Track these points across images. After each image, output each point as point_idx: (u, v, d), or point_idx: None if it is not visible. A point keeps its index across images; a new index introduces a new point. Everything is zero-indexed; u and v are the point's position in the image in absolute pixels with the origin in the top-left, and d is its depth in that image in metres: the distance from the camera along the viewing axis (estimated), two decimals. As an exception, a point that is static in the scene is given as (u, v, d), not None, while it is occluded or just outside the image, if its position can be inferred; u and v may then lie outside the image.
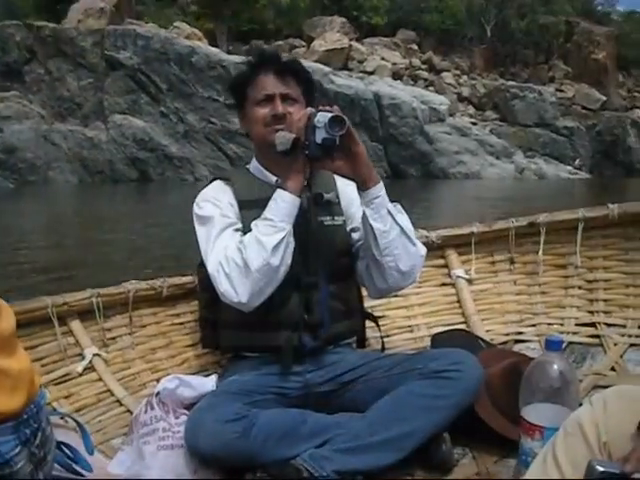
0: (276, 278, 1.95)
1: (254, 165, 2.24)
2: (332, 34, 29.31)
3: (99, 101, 23.61)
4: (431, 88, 28.71)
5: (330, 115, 1.85)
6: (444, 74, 30.59)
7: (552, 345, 1.70)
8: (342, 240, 2.11)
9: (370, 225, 2.00)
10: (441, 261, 3.04)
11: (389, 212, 2.00)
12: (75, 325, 2.42)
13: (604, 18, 44.66)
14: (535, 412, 1.68)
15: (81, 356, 2.40)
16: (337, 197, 2.20)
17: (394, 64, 29.50)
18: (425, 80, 29.79)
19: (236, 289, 1.93)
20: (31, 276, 7.13)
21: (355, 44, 29.62)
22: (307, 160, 1.96)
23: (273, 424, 1.85)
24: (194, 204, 2.17)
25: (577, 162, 28.64)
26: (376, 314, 2.52)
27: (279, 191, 1.97)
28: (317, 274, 2.09)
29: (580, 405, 1.45)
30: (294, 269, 2.01)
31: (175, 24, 27.48)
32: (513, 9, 36.77)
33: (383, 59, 29.55)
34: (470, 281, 3.01)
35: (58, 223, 13.12)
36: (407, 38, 32.67)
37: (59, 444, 1.60)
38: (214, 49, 24.80)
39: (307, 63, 24.04)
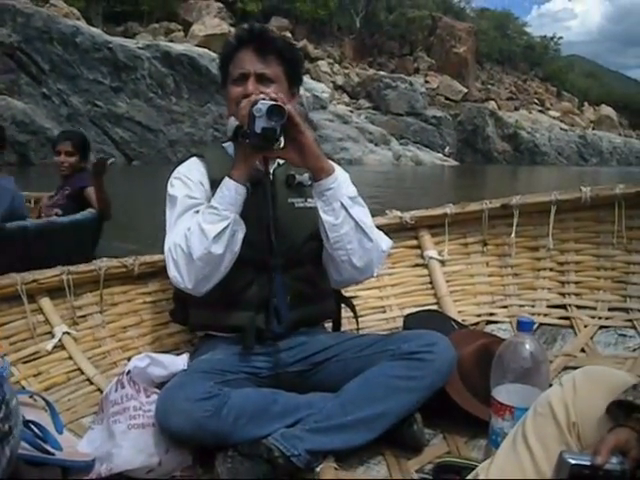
0: (222, 265, 1.94)
1: (229, 143, 2.21)
2: (211, 19, 29.24)
3: None
4: (307, 76, 28.66)
5: (269, 104, 1.82)
6: (320, 62, 30.77)
7: (524, 326, 1.71)
8: (313, 223, 2.05)
9: (320, 217, 1.98)
10: (414, 242, 3.06)
11: (342, 205, 1.97)
12: (45, 303, 2.40)
13: (461, 13, 48.26)
14: (506, 392, 1.69)
15: (51, 334, 2.38)
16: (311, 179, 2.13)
17: None
18: None
19: (182, 275, 1.95)
20: None
21: (233, 30, 29.45)
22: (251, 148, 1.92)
23: (244, 403, 1.84)
24: (168, 181, 2.15)
25: (447, 150, 29.67)
26: (348, 294, 2.52)
27: (225, 179, 1.95)
28: (278, 256, 2.07)
29: (550, 386, 1.46)
30: (259, 251, 2.02)
31: (51, 1, 26.41)
32: (382, 1, 38.41)
33: None
34: (443, 262, 3.02)
35: None
36: (280, 25, 32.85)
37: (28, 423, 1.59)
38: (98, 30, 24.13)
39: (189, 47, 23.81)
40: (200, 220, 1.92)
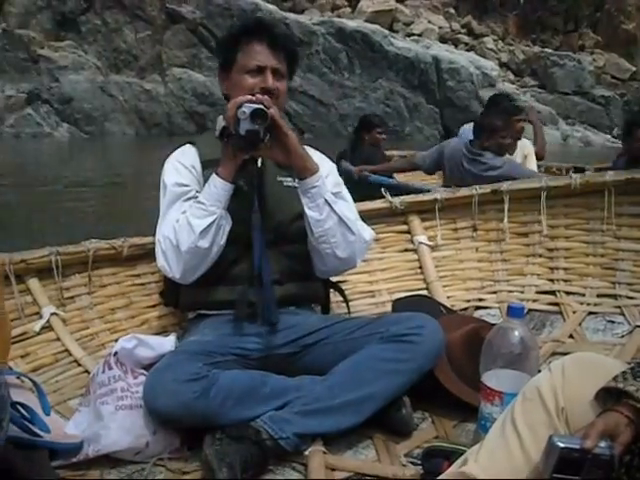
0: (208, 257, 2.04)
1: None
2: None
3: (157, 54, 22.96)
4: (472, 53, 28.12)
5: (253, 107, 1.89)
6: (485, 39, 29.89)
7: (514, 312, 1.71)
8: (300, 202, 2.09)
9: (305, 213, 2.05)
10: (404, 227, 3.06)
11: (326, 202, 2.04)
12: (33, 283, 2.39)
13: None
14: (495, 378, 1.70)
15: (39, 315, 2.37)
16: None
17: (440, 27, 28.78)
18: (466, 44, 28.95)
19: (170, 266, 2.06)
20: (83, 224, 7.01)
21: (399, 6, 28.64)
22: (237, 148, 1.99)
23: (233, 385, 1.84)
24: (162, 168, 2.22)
25: (615, 131, 28.33)
26: (338, 279, 2.52)
27: (213, 176, 2.03)
28: (267, 232, 2.09)
29: (539, 371, 1.46)
30: (249, 227, 2.05)
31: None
32: (548, -26, 36.14)
33: (430, 22, 28.83)
34: (432, 247, 3.03)
35: (114, 173, 12.81)
36: (444, 1, 31.39)
37: (15, 404, 1.57)
38: (274, 7, 24.08)
39: (361, 24, 23.61)
40: (188, 214, 2.01)
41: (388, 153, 6.95)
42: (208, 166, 2.13)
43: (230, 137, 1.97)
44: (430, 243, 3.01)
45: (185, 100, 22.44)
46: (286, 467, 1.80)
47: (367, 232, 2.22)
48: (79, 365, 2.34)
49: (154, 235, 2.38)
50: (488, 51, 28.44)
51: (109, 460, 1.79)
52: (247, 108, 1.89)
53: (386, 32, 23.82)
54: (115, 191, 10.44)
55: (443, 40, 27.28)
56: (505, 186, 2.99)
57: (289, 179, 2.17)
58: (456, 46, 27.31)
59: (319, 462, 1.76)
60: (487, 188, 3.03)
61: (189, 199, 2.10)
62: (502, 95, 6.41)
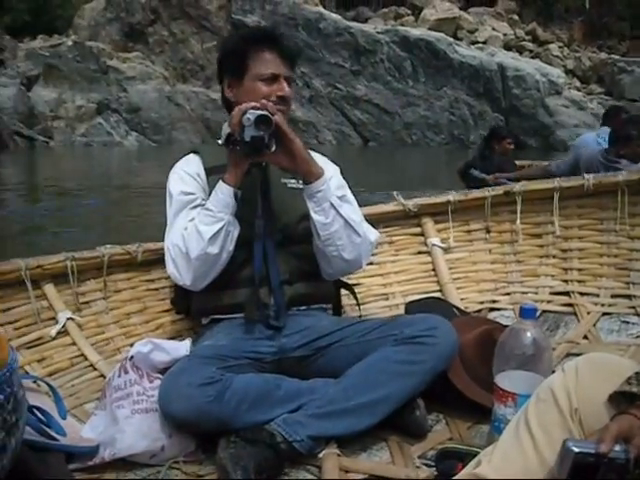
0: (218, 264, 2.06)
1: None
2: (442, 2, 27.94)
3: None
4: (537, 60, 27.36)
5: (257, 114, 1.91)
6: (550, 46, 29.27)
7: (527, 313, 1.71)
8: (305, 203, 2.11)
9: (311, 217, 2.06)
10: (417, 229, 3.05)
11: (332, 205, 2.06)
12: (49, 289, 2.41)
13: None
14: (508, 379, 1.70)
15: (55, 320, 2.39)
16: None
17: (504, 35, 28.28)
18: (530, 52, 28.34)
19: (181, 273, 2.08)
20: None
21: (463, 13, 28.33)
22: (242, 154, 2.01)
23: (247, 388, 1.85)
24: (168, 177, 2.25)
25: None
26: (351, 282, 2.53)
27: (220, 183, 2.04)
28: (275, 233, 2.13)
29: (553, 372, 1.46)
30: (257, 228, 2.08)
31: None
32: (615, -22, 34.77)
33: (494, 29, 28.34)
34: (446, 249, 3.02)
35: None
36: (508, 8, 30.77)
37: (31, 408, 1.59)
38: (338, 16, 24.40)
39: (425, 32, 23.55)
40: (196, 222, 2.03)
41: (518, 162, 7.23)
42: (212, 173, 2.16)
43: (235, 143, 1.98)
44: (443, 245, 3.01)
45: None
46: (300, 469, 1.80)
47: (372, 233, 2.25)
48: (95, 369, 2.35)
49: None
50: (554, 58, 27.71)
51: (125, 463, 1.80)
52: (251, 114, 1.91)
53: (450, 40, 23.69)
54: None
55: (507, 47, 26.94)
56: (517, 187, 2.98)
57: (292, 181, 2.21)
58: (521, 53, 26.94)
59: (333, 464, 1.77)
60: (499, 189, 3.03)
61: (196, 207, 2.12)
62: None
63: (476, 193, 3.04)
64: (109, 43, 23.50)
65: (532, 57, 27.01)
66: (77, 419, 2.05)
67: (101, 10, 24.34)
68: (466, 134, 22.31)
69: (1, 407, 1.25)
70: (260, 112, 1.92)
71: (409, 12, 28.11)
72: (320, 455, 1.82)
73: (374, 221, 2.60)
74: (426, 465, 1.79)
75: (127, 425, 1.83)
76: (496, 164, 6.41)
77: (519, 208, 2.97)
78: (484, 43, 26.32)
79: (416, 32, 23.53)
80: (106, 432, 1.85)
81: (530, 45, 28.55)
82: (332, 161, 2.37)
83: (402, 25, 25.37)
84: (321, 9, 24.14)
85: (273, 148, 1.99)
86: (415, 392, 1.93)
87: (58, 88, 21.18)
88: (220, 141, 2.15)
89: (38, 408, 1.64)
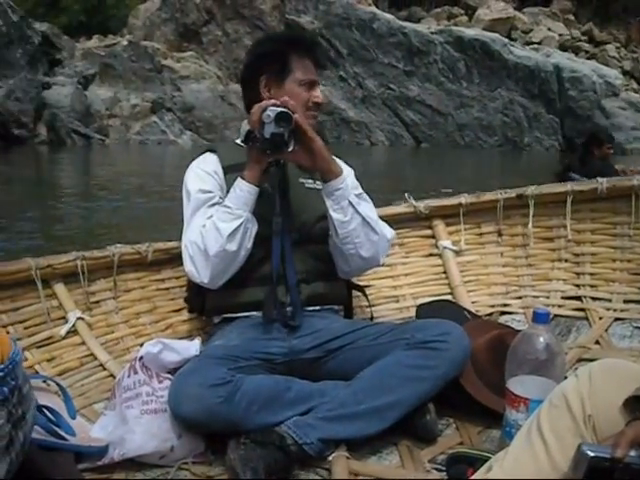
0: (236, 261, 2.08)
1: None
2: (496, 2, 27.69)
3: None
4: (593, 61, 26.82)
5: (277, 110, 1.92)
6: (607, 47, 28.37)
7: (540, 317, 1.70)
8: (322, 203, 2.12)
9: (330, 215, 2.08)
10: (428, 232, 3.04)
11: (350, 203, 2.08)
12: (59, 288, 2.41)
13: None
14: (520, 384, 1.69)
15: (64, 319, 2.39)
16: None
17: (560, 35, 27.84)
18: (586, 52, 27.83)
19: (198, 271, 2.08)
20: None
21: (518, 13, 28.08)
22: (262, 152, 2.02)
23: (257, 390, 1.84)
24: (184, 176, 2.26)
25: None
26: (362, 284, 2.53)
27: (238, 180, 2.06)
28: (292, 232, 2.14)
29: (565, 378, 1.45)
30: (271, 227, 2.09)
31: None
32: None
33: (549, 30, 27.94)
34: (457, 252, 3.00)
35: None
36: (563, 8, 30.02)
37: (41, 407, 1.59)
38: (391, 16, 24.39)
39: (480, 32, 23.40)
40: (215, 219, 2.04)
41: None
42: (230, 171, 2.17)
43: (255, 140, 1.98)
44: (454, 248, 2.99)
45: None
46: (310, 472, 1.79)
47: (388, 231, 2.28)
48: (104, 369, 2.35)
49: (178, 240, 2.41)
50: (610, 59, 27.11)
51: (134, 464, 1.80)
52: (271, 111, 1.92)
53: (505, 40, 23.49)
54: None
55: (563, 48, 26.58)
56: (530, 190, 2.96)
57: (310, 181, 2.22)
58: (576, 54, 26.55)
59: (343, 467, 1.76)
60: (512, 192, 3.01)
61: (213, 205, 2.13)
62: None
63: (488, 196, 3.03)
64: (164, 43, 23.90)
65: (588, 58, 26.57)
66: (86, 419, 2.05)
67: (156, 10, 24.85)
68: (520, 136, 22.14)
69: (6, 400, 1.24)
70: (280, 109, 1.92)
71: (462, 12, 27.80)
72: (330, 458, 1.81)
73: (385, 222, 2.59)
74: (436, 469, 1.79)
75: (136, 425, 1.83)
76: (597, 169, 6.25)
77: (531, 211, 2.95)
78: (539, 44, 26.01)
79: (470, 32, 23.37)
80: (115, 432, 1.84)
81: (586, 46, 28.07)
82: (347, 163, 2.37)
83: (455, 25, 25.23)
84: (375, 9, 24.12)
85: (292, 146, 1.99)
86: (426, 397, 1.93)
87: (113, 87, 21.50)
88: (239, 139, 2.16)
89: (47, 408, 1.64)
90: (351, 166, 2.37)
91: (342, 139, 22.66)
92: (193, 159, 2.31)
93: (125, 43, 22.75)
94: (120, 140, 19.98)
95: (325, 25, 23.25)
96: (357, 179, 2.33)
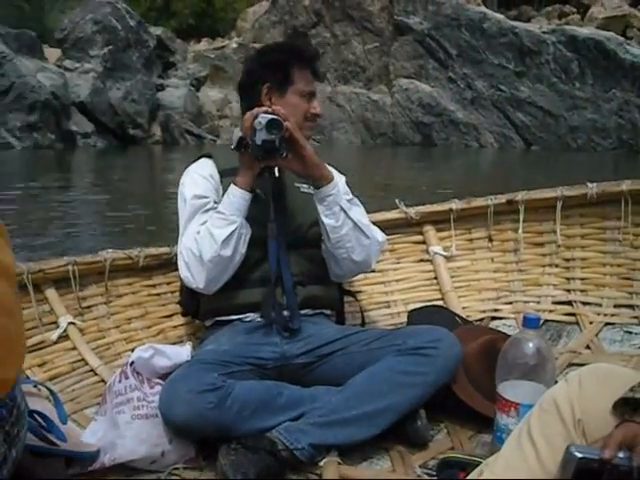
0: (230, 267, 2.09)
1: None
2: (610, 0, 26.22)
3: (384, 65, 23.40)
4: None
5: (268, 118, 1.94)
6: None
7: (530, 322, 1.70)
8: (316, 208, 2.14)
9: (322, 221, 2.10)
10: (419, 237, 3.04)
11: (342, 209, 2.10)
12: (50, 293, 2.41)
13: None
14: (511, 389, 1.69)
15: (56, 324, 2.39)
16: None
17: None
18: None
19: (194, 276, 2.09)
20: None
21: (634, 10, 26.34)
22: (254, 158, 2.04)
23: (248, 395, 1.85)
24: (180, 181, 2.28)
25: None
26: (353, 290, 2.54)
27: (231, 186, 2.08)
28: (286, 235, 2.14)
29: (556, 382, 1.45)
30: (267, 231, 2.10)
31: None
32: None
33: None
34: (448, 258, 3.01)
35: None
36: None
37: (32, 413, 1.58)
38: (502, 16, 23.77)
39: (594, 31, 22.41)
40: (209, 225, 2.06)
41: None
42: (226, 175, 2.18)
43: (247, 147, 2.01)
44: (445, 253, 3.00)
45: (411, 110, 22.57)
46: (301, 477, 1.79)
47: (379, 235, 2.29)
48: (95, 374, 2.35)
49: (170, 246, 2.41)
50: None
51: (125, 469, 1.79)
52: (263, 118, 1.94)
53: (621, 39, 22.43)
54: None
55: None
56: (520, 196, 2.97)
57: (305, 186, 2.23)
58: None
59: (334, 472, 1.77)
60: (502, 198, 3.02)
61: (208, 211, 2.14)
62: None
63: (479, 201, 3.03)
64: None
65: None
66: (77, 424, 2.05)
67: (265, 13, 25.11)
68: (636, 139, 21.20)
69: (3, 419, 1.24)
70: (271, 116, 1.95)
71: (574, 10, 26.91)
72: (321, 463, 1.81)
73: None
74: (427, 474, 1.79)
75: (127, 430, 1.83)
76: None
77: (522, 217, 2.96)
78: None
79: (584, 31, 22.50)
80: (106, 437, 1.84)
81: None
82: (338, 171, 2.37)
83: (567, 24, 24.38)
84: (484, 9, 23.61)
85: (284, 152, 2.01)
86: (417, 403, 1.93)
87: (224, 88, 22.12)
88: (232, 145, 2.16)
89: (39, 413, 1.63)
90: (343, 173, 2.38)
91: (450, 141, 22.21)
92: (189, 164, 2.32)
93: (234, 46, 23.44)
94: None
95: (434, 26, 22.88)
96: (348, 185, 2.34)
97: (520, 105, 22.23)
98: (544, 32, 22.56)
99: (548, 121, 22.07)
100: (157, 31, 22.86)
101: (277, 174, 2.20)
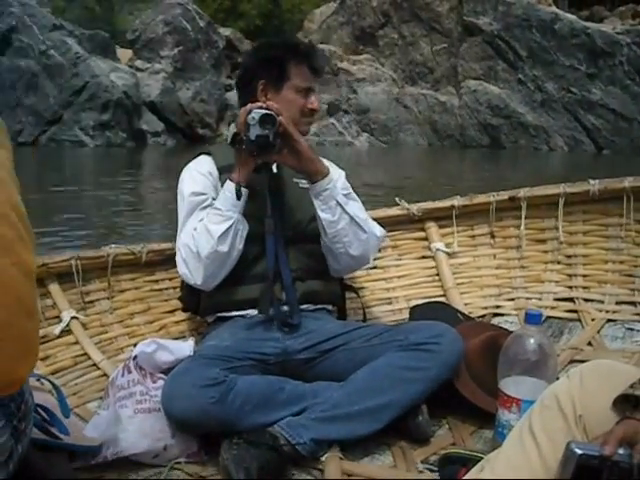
0: (228, 262, 2.10)
1: None
2: None
3: (452, 66, 23.38)
4: None
5: (261, 113, 1.95)
6: None
7: (532, 318, 1.71)
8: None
9: (319, 215, 2.10)
10: (421, 234, 3.05)
11: (338, 203, 2.10)
12: (53, 287, 2.41)
13: None
14: (513, 385, 1.70)
15: (59, 318, 2.39)
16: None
17: None
18: None
19: (192, 273, 2.11)
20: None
21: None
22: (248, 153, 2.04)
23: (250, 390, 1.85)
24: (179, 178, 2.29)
25: None
26: (355, 286, 2.55)
27: (227, 182, 2.09)
28: (285, 230, 2.16)
29: (557, 379, 1.46)
30: (264, 226, 2.10)
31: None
32: None
33: None
34: (450, 254, 3.01)
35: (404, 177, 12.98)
36: None
37: (35, 406, 1.59)
38: (574, 16, 23.50)
39: None
40: (206, 221, 2.07)
41: None
42: (225, 171, 2.18)
43: (241, 143, 2.01)
44: (447, 250, 3.00)
45: (479, 112, 22.59)
46: (303, 472, 1.80)
47: (377, 229, 2.29)
48: (98, 369, 2.35)
49: (172, 241, 2.42)
50: None
51: (127, 463, 1.80)
52: (256, 114, 1.95)
53: None
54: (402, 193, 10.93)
55: None
56: (522, 192, 2.97)
57: (303, 181, 2.22)
58: None
59: (335, 467, 1.77)
60: (504, 194, 3.02)
61: (206, 207, 2.15)
62: None
63: (481, 198, 3.04)
64: (340, 46, 24.29)
65: None
66: (80, 418, 2.05)
67: (332, 14, 25.25)
68: None
69: (12, 414, 1.24)
70: (264, 111, 1.96)
71: None
72: (323, 458, 1.82)
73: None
74: (429, 470, 1.79)
75: (130, 424, 1.83)
76: None
77: (524, 213, 2.96)
78: None
79: None
80: (109, 431, 1.84)
81: None
82: (337, 165, 2.37)
83: None
84: (556, 9, 23.35)
85: (278, 147, 2.02)
86: (419, 399, 1.94)
87: None
88: (228, 140, 2.18)
89: (42, 407, 1.64)
90: (342, 168, 2.37)
91: (519, 144, 22.11)
92: (188, 162, 2.32)
93: (302, 46, 23.61)
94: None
95: (504, 27, 22.72)
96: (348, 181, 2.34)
97: (592, 108, 21.97)
98: (618, 33, 22.25)
99: (620, 124, 21.77)
100: (226, 32, 23.25)
101: (275, 170, 2.20)
